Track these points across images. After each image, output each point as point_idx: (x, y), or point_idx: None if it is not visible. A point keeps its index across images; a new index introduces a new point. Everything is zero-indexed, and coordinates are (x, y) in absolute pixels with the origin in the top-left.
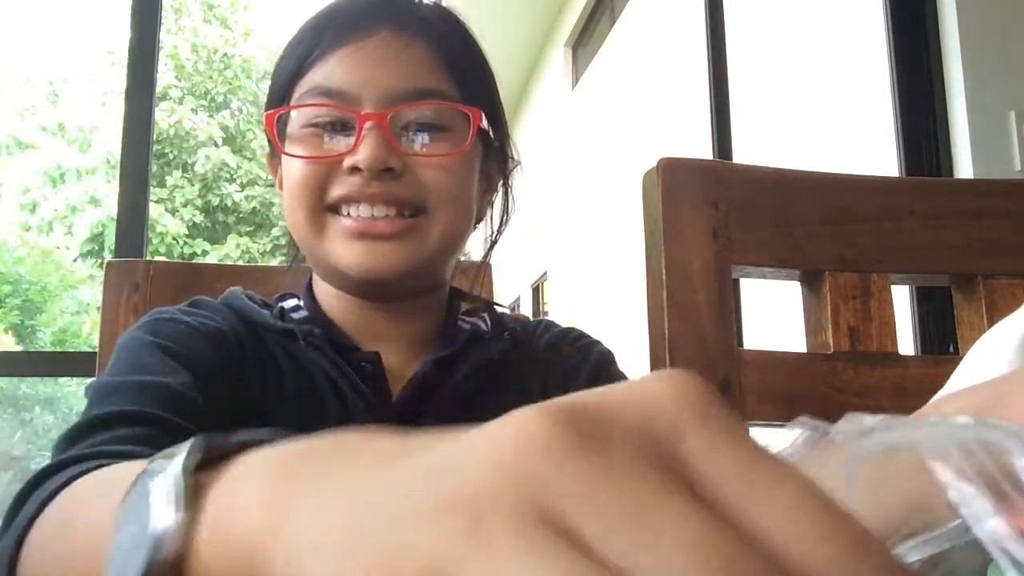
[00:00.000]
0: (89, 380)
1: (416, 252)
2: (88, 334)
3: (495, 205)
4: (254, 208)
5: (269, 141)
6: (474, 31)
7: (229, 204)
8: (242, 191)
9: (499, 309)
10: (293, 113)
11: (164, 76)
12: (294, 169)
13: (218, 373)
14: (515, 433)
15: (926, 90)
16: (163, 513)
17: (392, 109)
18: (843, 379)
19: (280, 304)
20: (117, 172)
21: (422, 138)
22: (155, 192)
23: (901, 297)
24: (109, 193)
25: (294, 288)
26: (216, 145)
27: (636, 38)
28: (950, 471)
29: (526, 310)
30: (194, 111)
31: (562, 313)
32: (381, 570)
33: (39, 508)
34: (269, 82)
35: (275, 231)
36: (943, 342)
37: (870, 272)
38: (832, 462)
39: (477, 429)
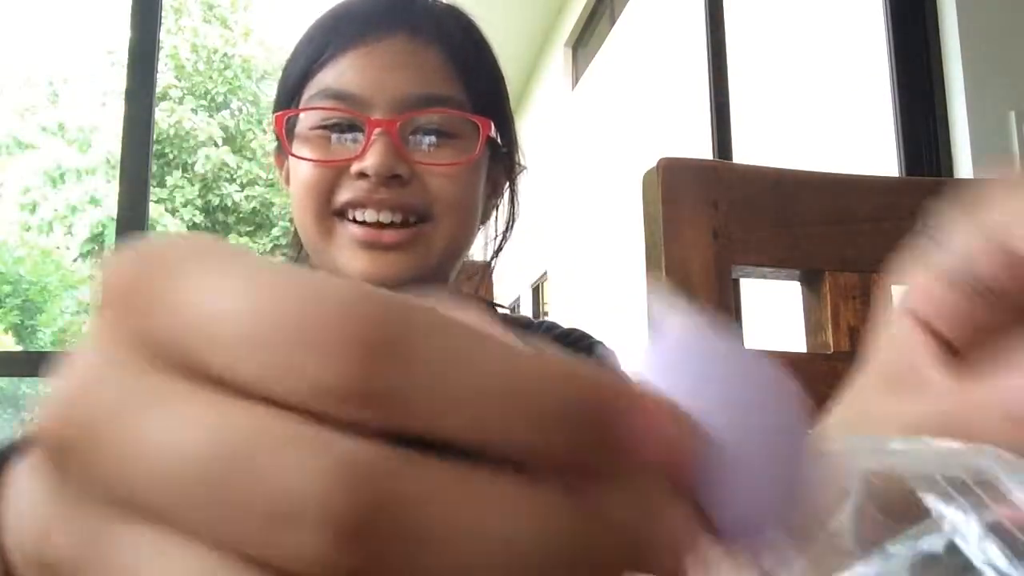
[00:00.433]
0: None
1: (421, 260)
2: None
3: (500, 209)
4: (254, 208)
5: (278, 142)
6: (483, 32)
7: (229, 204)
8: (242, 191)
9: (500, 310)
10: (302, 114)
11: (164, 76)
12: (302, 171)
13: None
14: None
15: (926, 90)
16: None
17: (402, 116)
18: (843, 379)
19: None
20: (117, 172)
21: (431, 145)
22: (155, 192)
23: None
24: (109, 193)
25: None
26: (216, 145)
27: (636, 38)
28: (937, 498)
29: (526, 310)
30: (194, 111)
31: (562, 313)
32: None
33: None
34: (269, 82)
35: (275, 231)
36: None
37: (870, 272)
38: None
39: None
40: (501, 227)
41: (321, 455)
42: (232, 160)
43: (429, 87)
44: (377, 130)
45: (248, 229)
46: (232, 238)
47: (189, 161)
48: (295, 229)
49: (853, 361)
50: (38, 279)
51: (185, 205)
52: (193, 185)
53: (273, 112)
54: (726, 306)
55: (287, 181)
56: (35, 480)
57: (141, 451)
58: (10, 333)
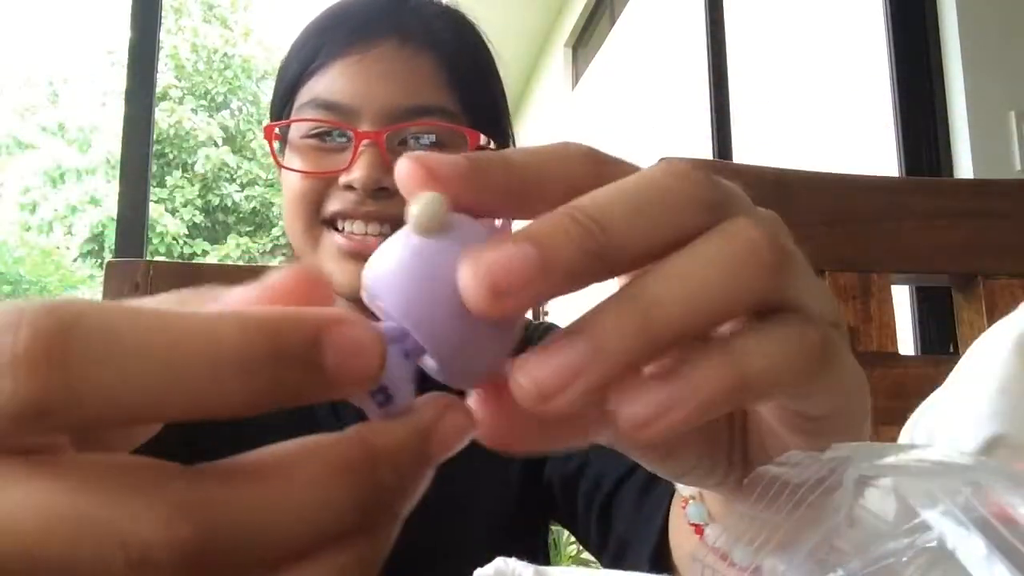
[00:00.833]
0: None
1: None
2: None
3: None
4: (254, 208)
5: (282, 145)
6: (482, 32)
7: (229, 204)
8: (242, 191)
9: None
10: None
11: (164, 76)
12: (292, 181)
13: None
14: None
15: (926, 90)
16: None
17: (389, 128)
18: None
19: None
20: (117, 172)
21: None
22: (155, 192)
23: (901, 297)
24: (109, 193)
25: None
26: (216, 145)
27: (636, 38)
28: (939, 515)
29: (526, 312)
30: (194, 111)
31: (562, 314)
32: None
33: None
34: (269, 82)
35: (275, 231)
36: (943, 342)
37: (870, 272)
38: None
39: None
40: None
41: None
42: (232, 160)
43: (417, 97)
44: (365, 142)
45: (248, 229)
46: (232, 238)
47: (189, 161)
48: None
49: None
50: (38, 279)
51: (185, 205)
52: (193, 185)
53: (269, 116)
54: None
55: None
56: None
57: None
58: None
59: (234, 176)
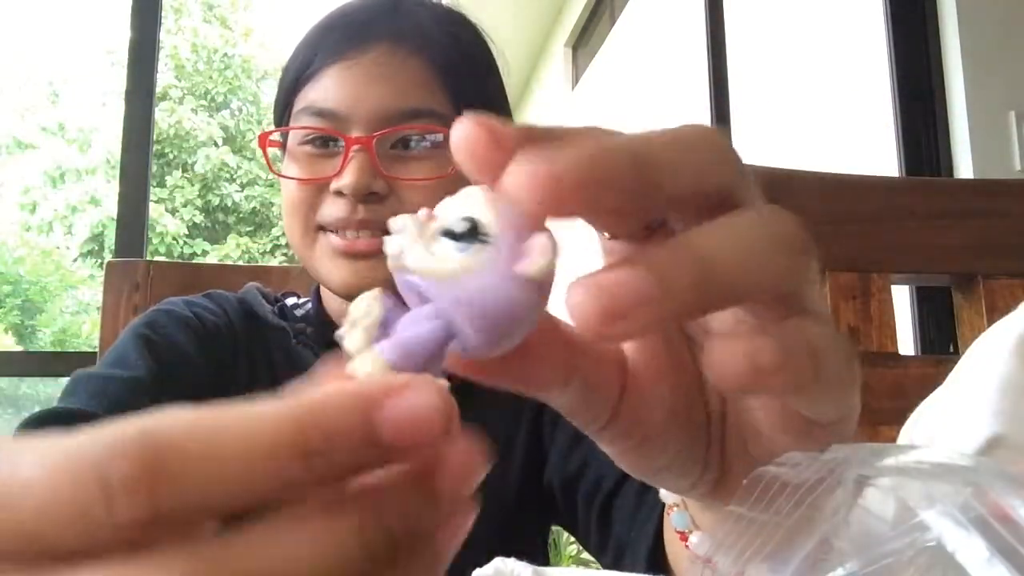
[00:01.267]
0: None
1: None
2: (88, 334)
3: None
4: (254, 208)
5: (283, 151)
6: (483, 31)
7: (229, 204)
8: (242, 191)
9: None
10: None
11: (164, 76)
12: (288, 187)
13: (203, 366)
14: None
15: (926, 90)
16: None
17: (379, 132)
18: None
19: (282, 302)
20: (117, 172)
21: (411, 159)
22: (155, 192)
23: (901, 297)
24: (109, 193)
25: (306, 286)
26: (216, 145)
27: (636, 38)
28: (938, 515)
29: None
30: (194, 111)
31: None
32: None
33: None
34: (269, 82)
35: (275, 231)
36: (943, 342)
37: (870, 272)
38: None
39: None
40: None
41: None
42: (232, 160)
43: (407, 101)
44: (355, 147)
45: (248, 229)
46: (232, 238)
47: (189, 161)
48: None
49: None
50: (38, 279)
51: (185, 205)
52: (193, 185)
53: (272, 122)
54: None
55: None
56: None
57: None
58: (10, 333)
59: (234, 176)
